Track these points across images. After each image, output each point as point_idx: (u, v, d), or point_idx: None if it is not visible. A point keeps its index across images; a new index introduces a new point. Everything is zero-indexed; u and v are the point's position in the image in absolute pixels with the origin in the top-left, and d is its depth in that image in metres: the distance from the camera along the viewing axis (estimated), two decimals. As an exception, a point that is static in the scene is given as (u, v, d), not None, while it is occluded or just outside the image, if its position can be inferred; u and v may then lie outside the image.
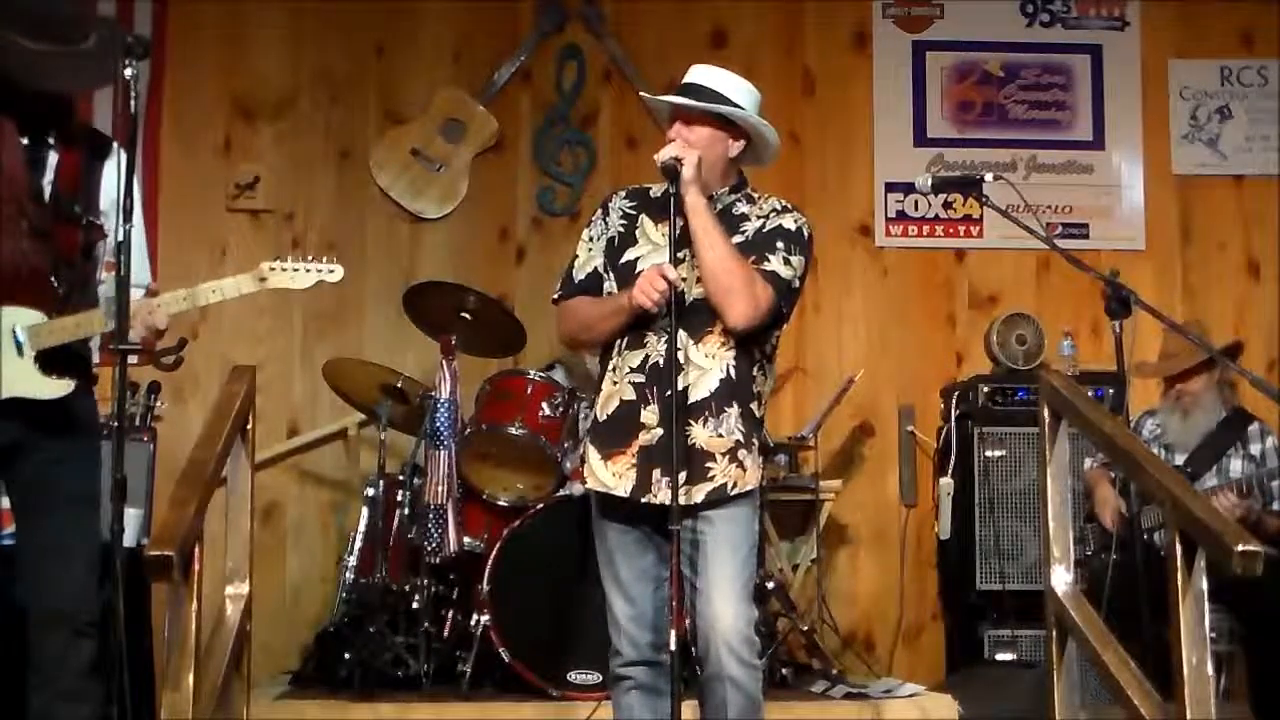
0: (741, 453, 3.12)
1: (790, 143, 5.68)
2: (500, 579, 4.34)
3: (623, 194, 3.33)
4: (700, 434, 3.09)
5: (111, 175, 2.98)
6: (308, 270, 3.24)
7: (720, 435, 3.10)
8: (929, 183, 3.76)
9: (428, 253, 5.58)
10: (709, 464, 3.09)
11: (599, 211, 3.32)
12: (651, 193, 3.28)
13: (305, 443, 5.43)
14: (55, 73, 2.90)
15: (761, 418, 3.21)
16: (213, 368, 5.25)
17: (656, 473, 3.07)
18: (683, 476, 3.03)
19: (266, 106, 5.58)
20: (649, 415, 3.09)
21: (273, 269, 3.19)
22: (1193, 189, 5.80)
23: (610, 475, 3.12)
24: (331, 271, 3.27)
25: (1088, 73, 5.83)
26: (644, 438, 3.09)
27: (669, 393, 3.04)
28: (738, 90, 3.20)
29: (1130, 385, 3.77)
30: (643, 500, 3.08)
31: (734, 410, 3.12)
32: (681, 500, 3.01)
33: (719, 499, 3.09)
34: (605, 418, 3.16)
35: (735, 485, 3.10)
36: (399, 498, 4.60)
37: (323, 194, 5.57)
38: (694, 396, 3.09)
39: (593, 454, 3.16)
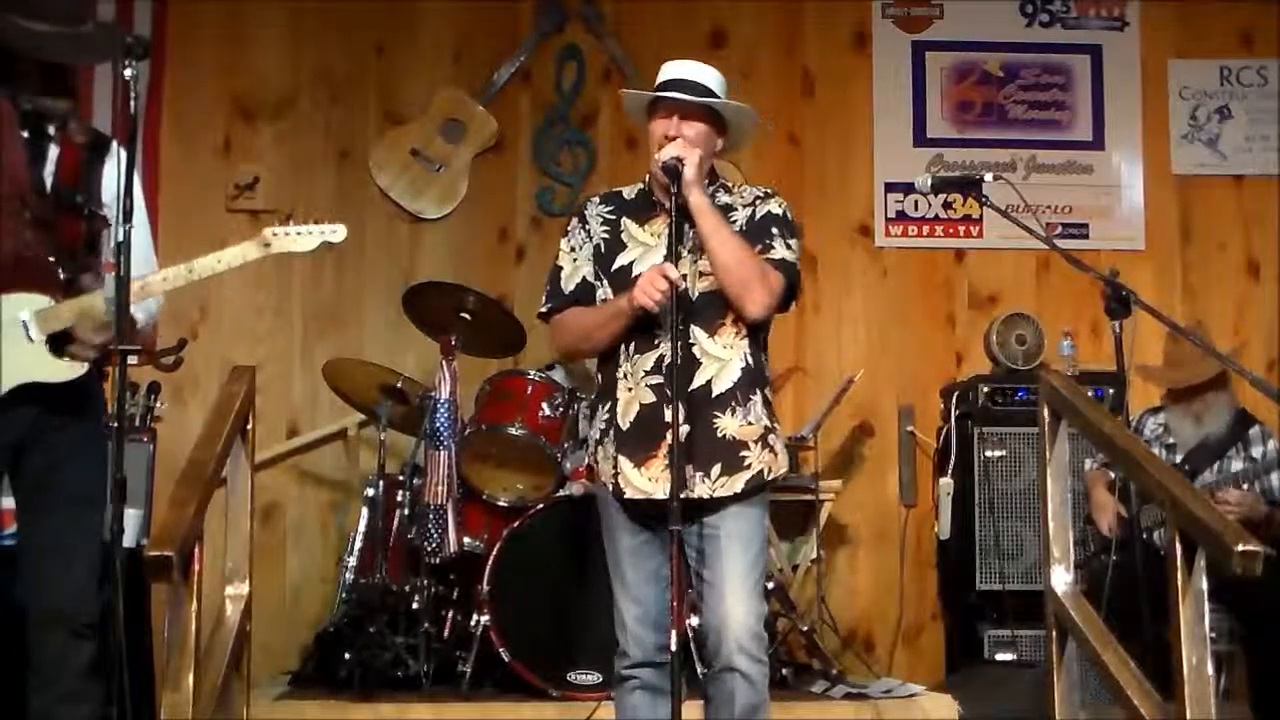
0: (771, 438, 3.16)
1: (790, 143, 5.69)
2: (500, 579, 4.34)
3: (597, 201, 3.33)
4: (730, 424, 3.11)
5: (112, 173, 2.99)
6: (310, 233, 3.21)
7: (750, 423, 3.13)
8: (929, 183, 3.76)
9: (427, 253, 5.58)
10: (744, 452, 3.11)
11: (575, 222, 3.31)
12: (625, 195, 3.30)
13: (305, 443, 5.44)
14: (54, 47, 2.90)
15: (771, 403, 3.24)
16: (212, 368, 5.25)
17: (689, 469, 3.07)
18: (717, 468, 3.06)
19: (266, 107, 5.58)
20: (672, 414, 3.09)
21: (275, 234, 3.16)
22: (1192, 189, 5.80)
23: (647, 481, 3.11)
24: (334, 231, 3.23)
25: (1087, 73, 5.83)
26: (671, 437, 3.09)
27: (691, 388, 3.07)
28: (716, 81, 3.22)
29: (1130, 385, 3.77)
30: (681, 497, 3.07)
31: (758, 397, 3.15)
32: (723, 491, 3.06)
33: (757, 486, 3.11)
34: (629, 425, 3.14)
35: (770, 470, 3.14)
36: (399, 498, 4.60)
37: (322, 194, 5.57)
38: (718, 389, 3.11)
39: (625, 464, 3.13)
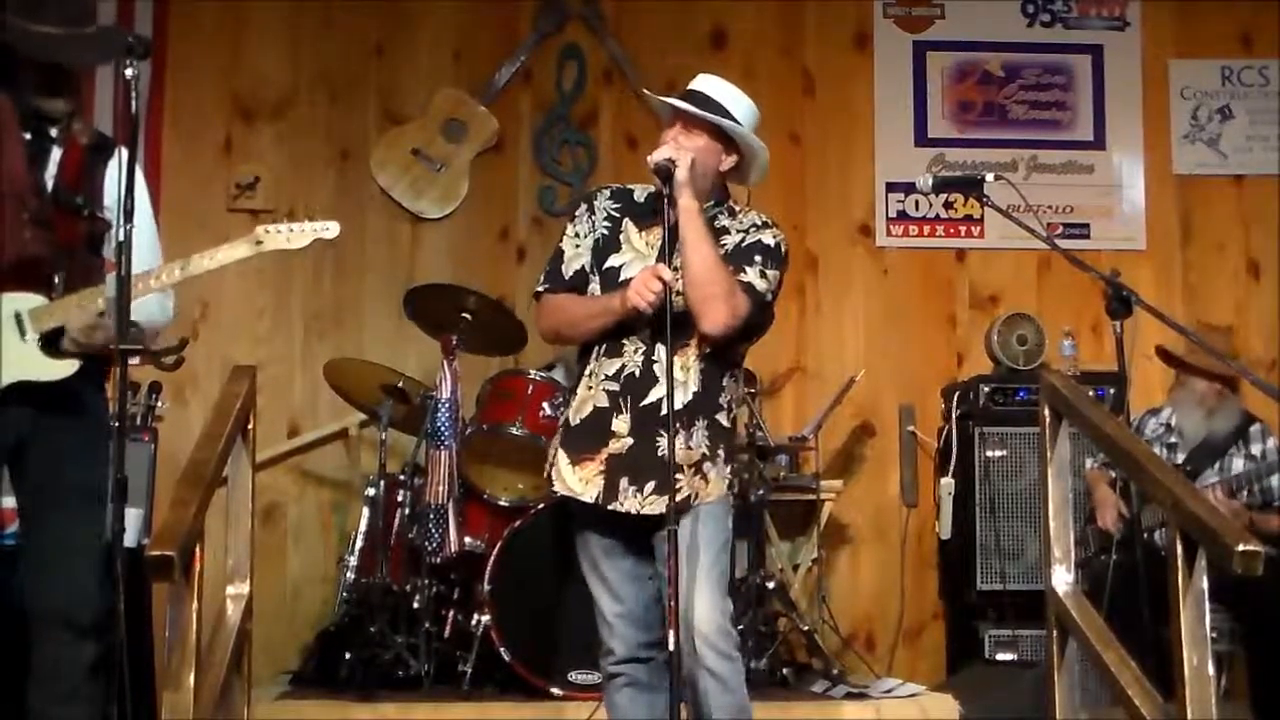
0: (706, 465, 3.14)
1: (790, 143, 5.69)
2: (501, 579, 4.34)
3: (607, 194, 3.32)
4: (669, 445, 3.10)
5: (114, 175, 2.98)
6: (303, 230, 3.19)
7: (689, 448, 3.12)
8: (930, 183, 3.75)
9: (428, 253, 5.58)
10: (676, 475, 3.08)
11: (584, 208, 3.31)
12: (635, 195, 3.29)
13: (306, 443, 5.43)
14: (59, 49, 2.90)
15: (730, 427, 3.23)
16: (213, 368, 5.25)
17: (624, 481, 3.09)
18: (650, 485, 3.06)
19: (267, 107, 5.58)
20: (620, 424, 3.11)
21: (267, 231, 3.15)
22: (1193, 189, 5.80)
23: (578, 481, 3.14)
24: (327, 229, 3.21)
25: (1088, 73, 5.84)
26: (613, 446, 3.11)
27: (644, 402, 3.08)
28: (739, 105, 3.21)
29: (1131, 385, 3.77)
30: (609, 508, 3.10)
31: (701, 423, 3.14)
32: (650, 509, 3.06)
33: (681, 509, 3.08)
34: (578, 423, 3.18)
35: (697, 497, 3.12)
36: (400, 498, 4.61)
37: (323, 194, 5.57)
38: (665, 409, 3.07)
39: (562, 458, 3.19)
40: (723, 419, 3.19)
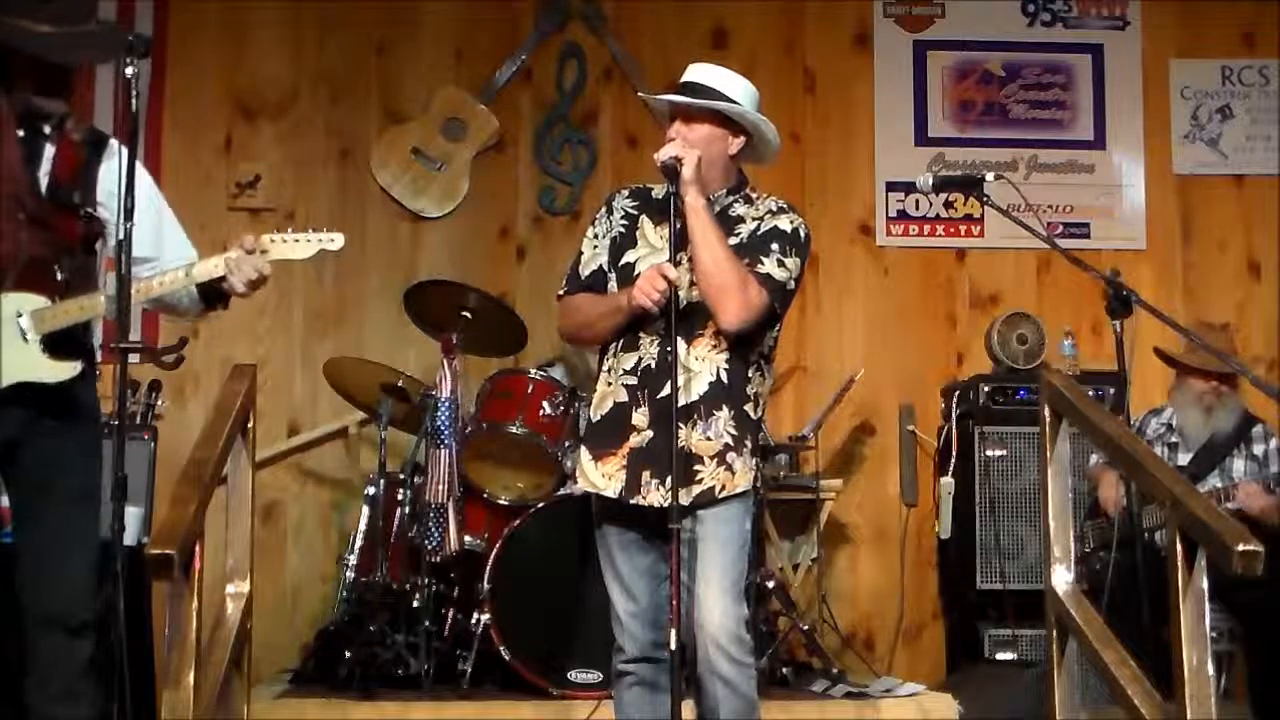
0: (730, 455, 3.12)
1: (791, 142, 5.68)
2: (500, 578, 4.34)
3: (625, 193, 3.33)
4: (690, 436, 3.10)
5: (111, 172, 2.98)
6: (308, 240, 3.21)
7: (709, 438, 3.11)
8: (930, 182, 3.75)
9: (428, 252, 5.58)
10: (697, 467, 3.10)
11: (603, 209, 3.33)
12: (654, 193, 3.28)
13: (306, 441, 5.43)
14: (57, 48, 2.90)
15: (758, 419, 3.22)
16: (213, 366, 5.26)
17: (646, 474, 3.09)
18: (672, 478, 3.04)
19: (267, 105, 5.58)
20: (639, 417, 3.11)
21: (273, 240, 3.17)
22: (1193, 189, 5.79)
23: (600, 476, 3.15)
24: (332, 240, 3.22)
25: (1089, 72, 5.83)
26: (634, 440, 3.11)
27: (660, 395, 3.06)
28: (736, 87, 3.20)
29: (1131, 385, 3.77)
30: (631, 501, 3.10)
31: (724, 413, 3.12)
32: (667, 502, 3.02)
33: (707, 501, 3.10)
34: (599, 419, 3.19)
35: (723, 488, 3.11)
36: (399, 497, 4.61)
37: (323, 193, 5.57)
38: (683, 399, 3.07)
39: (584, 454, 3.20)
40: (750, 409, 3.17)
